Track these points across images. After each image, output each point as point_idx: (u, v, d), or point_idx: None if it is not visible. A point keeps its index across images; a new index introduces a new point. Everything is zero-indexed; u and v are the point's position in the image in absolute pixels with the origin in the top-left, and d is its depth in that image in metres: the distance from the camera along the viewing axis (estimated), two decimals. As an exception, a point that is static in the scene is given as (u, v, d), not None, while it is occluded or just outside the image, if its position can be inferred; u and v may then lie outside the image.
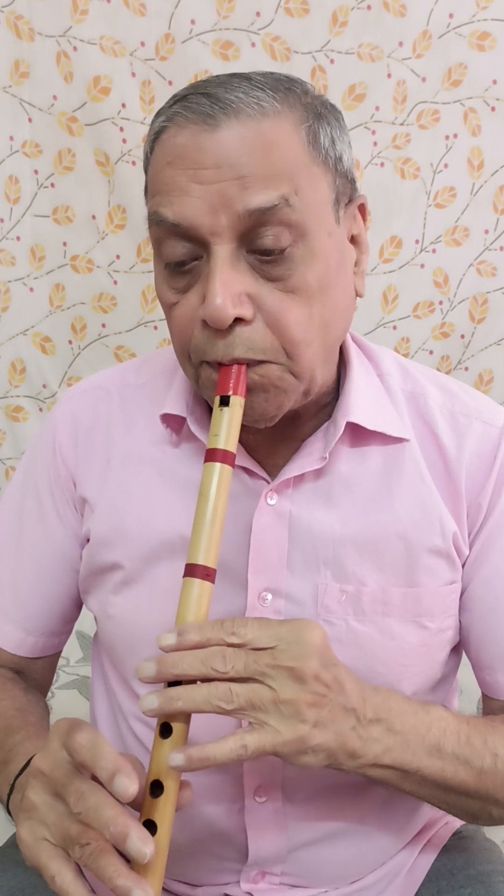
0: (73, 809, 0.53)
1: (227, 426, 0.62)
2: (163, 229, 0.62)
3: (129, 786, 0.51)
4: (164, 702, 0.56)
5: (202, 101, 0.60)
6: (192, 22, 1.50)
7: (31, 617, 0.81)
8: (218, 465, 0.61)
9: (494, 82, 1.53)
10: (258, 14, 1.50)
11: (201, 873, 0.76)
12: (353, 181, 0.68)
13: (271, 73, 0.64)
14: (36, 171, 1.60)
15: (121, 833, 0.51)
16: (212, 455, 0.61)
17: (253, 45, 1.51)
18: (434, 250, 1.62)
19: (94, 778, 0.54)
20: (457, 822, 0.84)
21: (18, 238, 1.63)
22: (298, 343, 0.63)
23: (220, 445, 0.61)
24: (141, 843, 0.50)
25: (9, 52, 1.53)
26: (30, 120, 1.57)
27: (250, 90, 0.61)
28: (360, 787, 0.71)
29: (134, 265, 1.63)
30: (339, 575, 0.70)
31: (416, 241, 1.61)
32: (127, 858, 0.53)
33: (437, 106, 1.54)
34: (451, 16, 1.49)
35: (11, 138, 1.58)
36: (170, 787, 0.56)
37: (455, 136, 1.56)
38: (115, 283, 1.64)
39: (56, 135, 1.57)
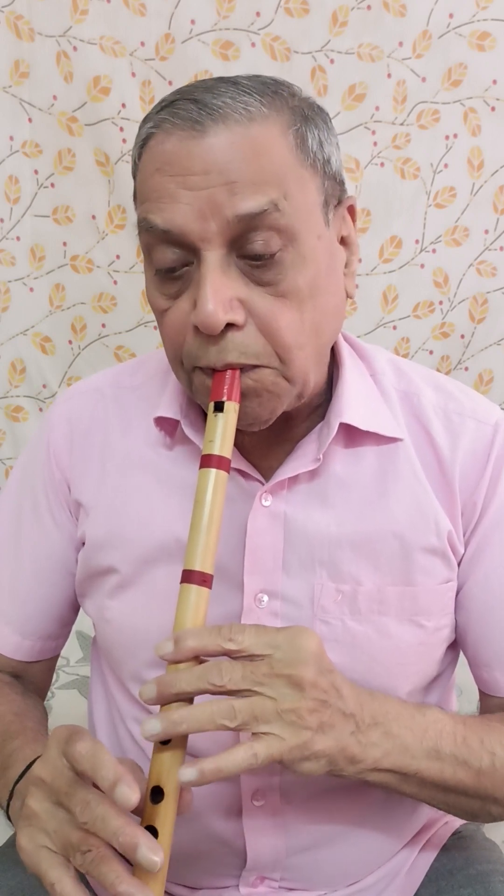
0: (78, 819, 0.53)
1: (222, 432, 0.62)
2: (153, 236, 0.62)
3: (131, 795, 0.51)
4: (168, 726, 0.55)
5: (189, 106, 0.60)
6: (192, 22, 1.49)
7: (28, 620, 0.81)
8: (213, 470, 0.61)
9: (494, 82, 1.52)
10: (258, 14, 1.49)
11: (200, 877, 0.76)
12: (341, 183, 0.68)
13: (258, 77, 0.64)
14: (36, 171, 1.59)
15: (130, 843, 0.51)
16: (207, 461, 0.61)
17: (253, 45, 1.51)
18: (434, 250, 1.61)
19: (95, 786, 0.54)
20: (456, 822, 0.85)
21: (18, 238, 1.63)
22: (290, 347, 0.63)
23: (216, 451, 0.61)
24: (151, 853, 0.51)
25: (9, 52, 1.52)
26: (30, 120, 1.56)
27: (237, 95, 0.61)
28: (358, 789, 0.71)
29: (134, 265, 1.63)
30: (334, 575, 0.70)
31: (416, 241, 1.61)
32: (129, 863, 0.53)
33: (437, 106, 1.54)
34: (451, 16, 1.49)
35: (11, 138, 1.57)
36: (170, 792, 0.56)
37: (455, 136, 1.55)
38: (115, 283, 1.64)
39: (56, 135, 1.56)
